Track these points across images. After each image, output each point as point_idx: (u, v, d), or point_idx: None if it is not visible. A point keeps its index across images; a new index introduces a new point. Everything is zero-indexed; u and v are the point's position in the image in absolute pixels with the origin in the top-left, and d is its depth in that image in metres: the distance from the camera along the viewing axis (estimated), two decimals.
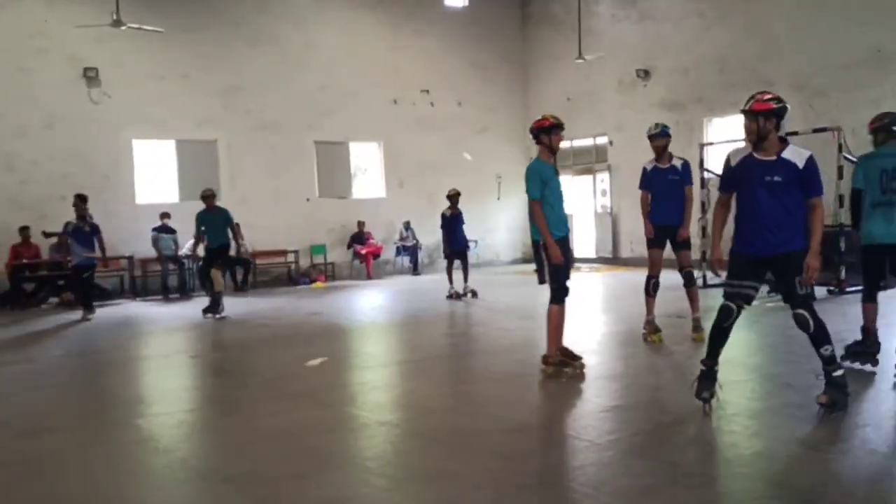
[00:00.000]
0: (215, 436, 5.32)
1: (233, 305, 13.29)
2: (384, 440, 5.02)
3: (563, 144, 21.98)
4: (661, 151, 7.86)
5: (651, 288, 7.92)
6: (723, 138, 15.42)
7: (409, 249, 18.43)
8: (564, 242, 6.52)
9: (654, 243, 7.92)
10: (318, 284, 16.59)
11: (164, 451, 4.87)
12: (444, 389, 6.43)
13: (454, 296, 12.61)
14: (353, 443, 5.00)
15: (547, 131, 6.83)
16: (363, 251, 17.75)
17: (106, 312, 12.75)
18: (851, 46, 13.69)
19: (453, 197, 13.01)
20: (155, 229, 15.01)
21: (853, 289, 10.58)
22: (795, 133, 12.59)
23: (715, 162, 14.25)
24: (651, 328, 7.93)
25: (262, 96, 16.97)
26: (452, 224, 12.95)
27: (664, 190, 7.81)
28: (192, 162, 16.62)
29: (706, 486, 3.84)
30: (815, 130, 11.93)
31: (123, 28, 13.59)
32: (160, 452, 4.88)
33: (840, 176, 11.24)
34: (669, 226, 7.78)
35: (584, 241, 19.98)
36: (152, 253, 15.09)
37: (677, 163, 7.87)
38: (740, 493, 3.84)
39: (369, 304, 13.43)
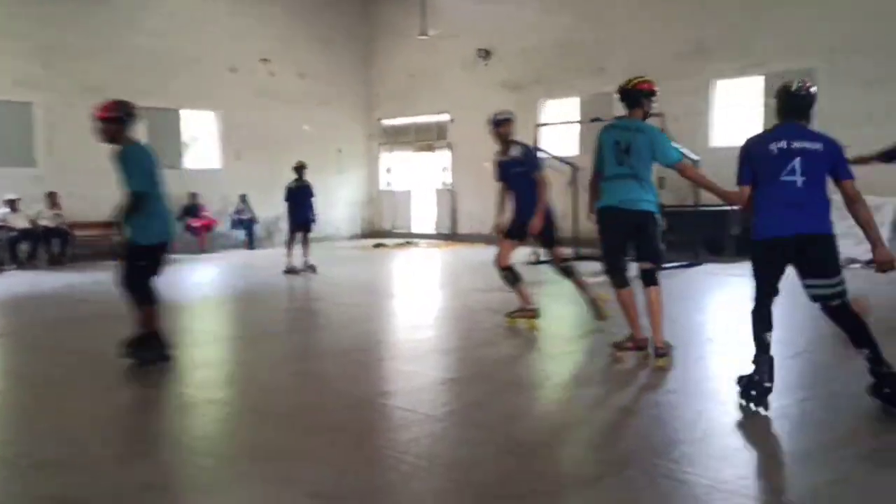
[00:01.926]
0: (27, 419, 4.92)
1: (50, 280, 12.39)
2: (213, 419, 4.84)
3: (406, 121, 22.01)
4: (503, 139, 7.21)
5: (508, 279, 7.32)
6: (558, 120, 16.01)
7: (245, 223, 17.87)
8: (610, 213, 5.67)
9: (508, 233, 7.29)
10: None
11: None
12: (279, 365, 6.28)
13: (292, 270, 12.36)
14: (179, 422, 4.79)
15: (649, 95, 5.73)
16: (196, 224, 17.02)
17: None
18: (677, 38, 14.57)
19: (299, 169, 12.72)
20: None
21: (670, 265, 11.32)
22: (623, 118, 13.27)
23: (549, 143, 14.78)
24: (526, 313, 7.25)
25: (86, 58, 15.77)
26: (297, 197, 12.66)
27: (512, 185, 7.20)
28: (3, 125, 15.25)
29: (535, 455, 3.97)
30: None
31: None
32: None
33: None
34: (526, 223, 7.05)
35: (424, 217, 20.22)
36: None
37: (517, 151, 7.20)
38: (566, 459, 4.01)
39: (201, 278, 12.92)
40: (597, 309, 7.01)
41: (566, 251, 7.62)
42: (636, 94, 5.66)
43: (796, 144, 4.48)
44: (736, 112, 14.62)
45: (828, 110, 12.84)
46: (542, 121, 16.19)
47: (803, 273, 4.44)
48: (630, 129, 5.60)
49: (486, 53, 18.00)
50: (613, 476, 3.57)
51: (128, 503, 3.43)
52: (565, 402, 5.10)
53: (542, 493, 3.43)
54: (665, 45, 14.62)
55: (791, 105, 4.62)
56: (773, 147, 4.51)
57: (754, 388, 4.41)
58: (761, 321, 4.49)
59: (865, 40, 12.58)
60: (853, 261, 11.51)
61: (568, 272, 7.21)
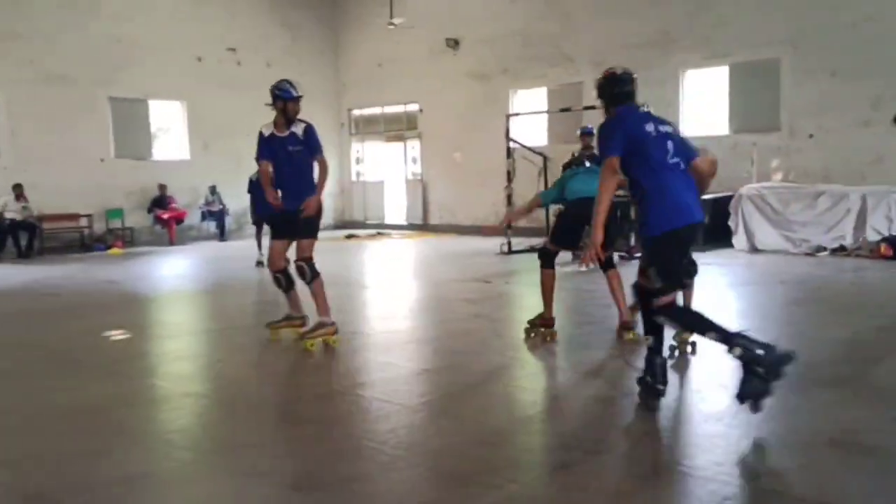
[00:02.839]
0: None
1: (16, 274, 12.22)
2: (188, 412, 4.83)
3: (375, 110, 21.91)
4: (289, 116, 6.48)
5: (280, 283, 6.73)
6: (527, 109, 16.07)
7: (216, 214, 17.73)
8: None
9: (274, 233, 6.77)
10: (115, 251, 15.59)
11: None
12: (251, 358, 6.27)
13: (263, 263, 12.25)
14: (154, 416, 4.77)
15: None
16: (165, 216, 16.87)
17: None
18: (642, 28, 14.68)
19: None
20: None
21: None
22: (592, 107, 13.37)
23: (519, 132, 14.86)
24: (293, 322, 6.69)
25: (47, 46, 15.52)
26: (260, 188, 12.50)
27: (284, 163, 6.46)
28: None
29: (509, 443, 4.03)
30: None
31: None
32: None
33: None
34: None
35: (397, 207, 20.21)
36: None
37: (298, 129, 6.49)
38: (538, 448, 4.08)
39: (172, 271, 12.82)
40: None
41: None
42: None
43: (661, 127, 4.33)
44: (702, 102, 14.82)
45: (791, 99, 13.16)
46: (512, 111, 16.25)
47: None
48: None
49: (454, 43, 17.99)
50: (587, 463, 3.64)
51: (102, 497, 3.42)
52: (539, 391, 5.18)
53: (515, 480, 3.49)
54: (631, 35, 14.73)
55: (629, 89, 4.46)
56: (650, 129, 4.29)
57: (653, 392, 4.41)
58: (695, 315, 4.41)
59: (827, 30, 12.78)
60: (820, 248, 11.75)
61: (301, 274, 6.49)
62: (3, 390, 5.44)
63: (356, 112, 20.90)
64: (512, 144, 13.82)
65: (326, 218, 20.33)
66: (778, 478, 3.50)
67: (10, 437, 4.33)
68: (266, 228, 12.43)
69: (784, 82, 13.31)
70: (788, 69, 13.23)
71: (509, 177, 13.58)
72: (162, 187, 16.97)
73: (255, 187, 12.57)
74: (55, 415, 4.71)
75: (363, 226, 20.11)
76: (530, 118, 15.88)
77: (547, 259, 6.37)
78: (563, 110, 14.18)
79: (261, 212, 12.49)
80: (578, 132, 11.19)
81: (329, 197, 20.43)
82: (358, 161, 21.03)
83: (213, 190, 17.63)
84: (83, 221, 16.10)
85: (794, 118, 13.16)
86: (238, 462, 3.81)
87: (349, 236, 18.00)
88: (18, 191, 14.71)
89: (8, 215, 14.50)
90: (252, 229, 13.04)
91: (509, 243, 13.27)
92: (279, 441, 4.13)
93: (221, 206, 17.68)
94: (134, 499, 3.42)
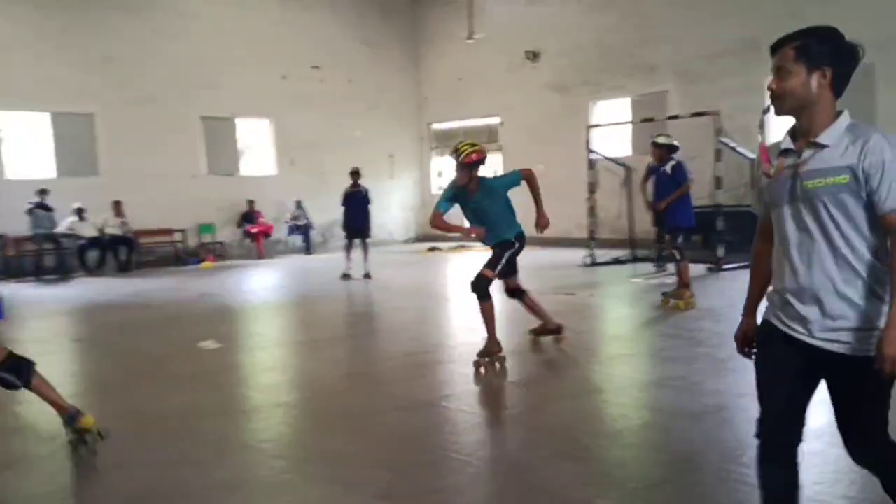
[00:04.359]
0: (103, 421, 5.10)
1: (117, 287, 12.78)
2: (280, 422, 4.97)
3: (455, 124, 21.99)
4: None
5: None
6: (608, 120, 15.91)
7: (302, 228, 18.16)
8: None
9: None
10: (207, 264, 16.13)
11: (48, 439, 4.65)
12: (340, 369, 6.40)
13: (347, 276, 12.49)
14: (247, 425, 4.92)
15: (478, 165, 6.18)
16: (253, 230, 17.37)
17: None
18: (727, 36, 14.34)
19: (354, 174, 12.88)
20: (31, 206, 14.13)
21: (730, 266, 11.19)
22: (676, 117, 13.14)
23: (601, 144, 14.73)
24: None
25: (140, 68, 16.20)
26: (353, 202, 12.79)
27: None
28: (69, 136, 15.78)
29: (597, 458, 3.99)
30: (694, 114, 12.43)
31: None
32: (42, 440, 4.66)
33: (718, 158, 11.79)
34: None
35: None
36: (26, 231, 14.22)
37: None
38: (629, 463, 4.03)
39: (261, 284, 13.18)
40: None
41: None
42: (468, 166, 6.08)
43: None
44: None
45: (886, 104, 12.64)
46: (593, 122, 16.11)
47: None
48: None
49: (534, 55, 17.98)
50: (680, 480, 3.58)
51: (199, 500, 3.55)
52: (627, 405, 5.11)
53: (606, 496, 3.45)
54: (716, 42, 14.41)
55: None
56: None
57: None
58: None
59: None
60: None
61: None
62: (109, 397, 5.70)
63: (436, 126, 21.09)
64: (594, 156, 13.71)
65: (408, 231, 20.68)
66: (880, 497, 3.36)
67: (116, 441, 4.53)
68: (355, 243, 12.71)
69: (878, 87, 12.81)
70: (883, 74, 12.73)
71: (592, 188, 13.47)
72: (250, 202, 17.49)
73: (347, 201, 12.82)
74: (155, 421, 4.91)
75: (445, 239, 20.23)
76: (612, 129, 15.72)
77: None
78: (644, 120, 13.99)
79: (352, 227, 12.73)
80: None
81: (410, 211, 20.69)
82: (439, 174, 21.20)
83: (298, 204, 18.06)
84: (177, 236, 16.73)
85: (888, 124, 12.63)
86: (329, 471, 3.90)
87: (431, 249, 18.14)
88: (117, 208, 15.39)
89: (108, 231, 15.17)
90: (342, 242, 13.29)
91: (593, 255, 13.15)
92: (368, 451, 4.20)
93: (307, 221, 18.09)
94: None
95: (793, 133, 2.43)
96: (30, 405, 5.44)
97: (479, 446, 4.13)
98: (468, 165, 6.02)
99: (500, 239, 6.22)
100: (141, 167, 16.13)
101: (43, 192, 14.15)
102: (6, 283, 13.47)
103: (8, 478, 4.07)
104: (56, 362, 7.16)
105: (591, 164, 13.60)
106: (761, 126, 11.00)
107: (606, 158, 13.95)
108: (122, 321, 9.38)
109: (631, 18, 15.99)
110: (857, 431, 2.44)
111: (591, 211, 13.49)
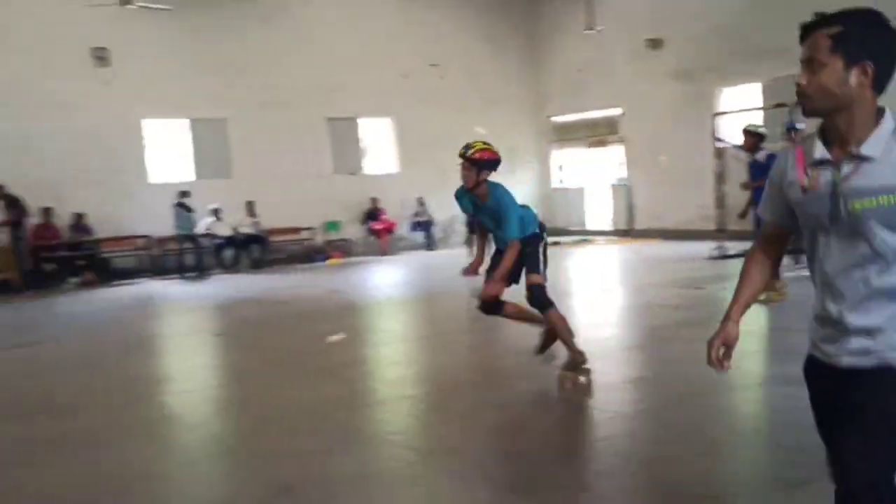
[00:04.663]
0: (241, 411, 5.39)
1: (251, 284, 13.39)
2: (407, 415, 5.08)
3: (576, 117, 21.64)
4: None
5: None
6: (736, 107, 15.30)
7: (424, 225, 18.46)
8: None
9: None
10: (334, 261, 16.66)
11: (193, 427, 4.95)
12: (466, 363, 6.48)
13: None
14: (376, 417, 5.06)
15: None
16: (377, 227, 17.80)
17: (126, 291, 12.86)
18: None
19: None
20: (175, 205, 14.92)
21: None
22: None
23: (728, 131, 14.19)
24: None
25: (269, 73, 16.88)
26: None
27: None
28: (205, 140, 16.67)
29: (729, 456, 3.88)
30: None
31: (132, 7, 13.59)
32: (188, 428, 4.96)
33: None
34: None
35: (598, 213, 19.98)
36: (169, 232, 15.11)
37: None
38: (763, 463, 3.89)
39: (386, 279, 13.49)
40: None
41: None
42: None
43: None
44: None
45: None
46: (720, 109, 15.54)
47: None
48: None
49: (655, 43, 17.50)
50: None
51: (341, 492, 3.69)
52: (763, 403, 4.92)
53: (739, 494, 3.36)
54: None
55: None
56: None
57: None
58: None
59: None
60: None
61: None
62: (247, 389, 6.00)
63: (556, 119, 20.92)
64: (721, 144, 13.23)
65: (534, 226, 20.59)
66: None
67: (256, 432, 4.77)
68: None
69: None
70: None
71: (720, 178, 13.02)
72: (374, 200, 17.92)
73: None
74: (290, 413, 5.13)
75: (565, 233, 20.05)
76: (741, 116, 15.10)
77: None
78: (777, 106, 13.37)
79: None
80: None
81: (531, 205, 20.60)
82: (560, 168, 21.03)
83: (420, 201, 18.36)
84: (305, 234, 17.35)
85: None
86: (458, 465, 3.95)
87: (553, 244, 17.97)
88: (250, 208, 16.12)
89: (242, 230, 15.92)
90: (463, 238, 13.42)
91: (722, 246, 12.70)
92: (498, 445, 4.23)
93: (429, 217, 18.37)
94: (368, 495, 3.66)
95: (823, 135, 2.03)
96: (178, 395, 5.80)
97: (608, 442, 4.09)
98: (477, 162, 5.32)
99: (525, 234, 5.50)
100: (271, 168, 16.83)
101: (184, 193, 14.97)
102: (152, 281, 14.39)
103: (156, 461, 4.35)
104: (199, 355, 7.62)
105: (719, 153, 13.12)
106: (790, 129, 10.11)
107: (735, 147, 13.43)
108: (257, 316, 9.82)
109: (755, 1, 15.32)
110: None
111: (720, 201, 13.03)
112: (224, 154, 16.67)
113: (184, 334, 9.00)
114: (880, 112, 1.96)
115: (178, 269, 14.95)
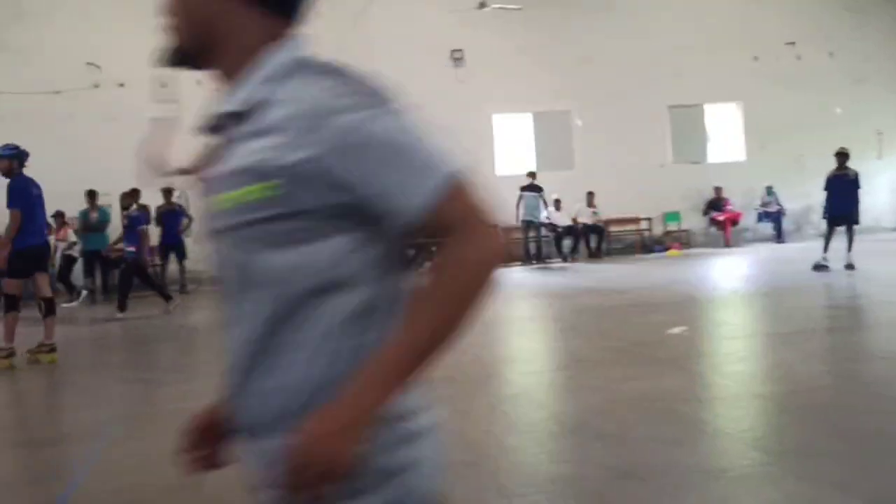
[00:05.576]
0: (583, 395, 5.54)
1: (590, 272, 13.65)
2: (755, 413, 4.86)
3: None
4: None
5: None
6: None
7: (772, 216, 17.29)
8: None
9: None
10: (673, 252, 16.32)
11: (540, 406, 5.22)
12: (819, 364, 6.00)
13: (821, 267, 11.46)
14: (723, 413, 4.91)
15: None
16: (720, 218, 17.06)
17: None
18: None
19: (840, 156, 11.87)
20: (524, 188, 15.52)
21: None
22: None
23: None
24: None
25: (611, 63, 16.99)
26: (836, 186, 11.80)
27: None
28: (547, 133, 17.31)
29: None
30: None
31: (487, 9, 14.52)
32: (536, 407, 5.24)
33: None
34: None
35: None
36: (512, 223, 15.87)
37: None
38: None
39: (729, 272, 12.92)
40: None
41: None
42: None
43: None
44: None
45: None
46: None
47: None
48: None
49: None
50: None
51: (682, 483, 3.66)
52: None
53: None
54: None
55: None
56: None
57: None
58: None
59: None
60: None
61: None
62: (587, 373, 6.15)
63: None
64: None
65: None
66: None
67: (596, 414, 4.87)
68: (839, 230, 11.63)
69: None
70: None
71: None
72: (717, 189, 17.20)
73: (830, 184, 11.88)
74: (631, 401, 5.15)
75: None
76: None
77: None
78: None
79: (836, 212, 11.76)
80: None
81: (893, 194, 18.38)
82: None
83: (769, 190, 17.23)
84: (643, 224, 17.21)
85: None
86: (812, 469, 3.70)
87: None
88: (590, 198, 16.41)
89: (581, 220, 16.27)
90: (819, 230, 12.38)
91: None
92: (853, 452, 3.89)
93: (779, 207, 17.17)
94: (710, 489, 3.58)
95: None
96: (525, 376, 6.13)
97: None
98: None
99: None
100: (610, 159, 16.95)
101: (532, 174, 15.54)
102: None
103: (507, 435, 4.65)
104: (539, 340, 7.98)
105: None
106: None
107: None
108: (597, 305, 9.99)
109: None
110: None
111: None
112: (566, 145, 17.16)
113: (526, 319, 9.46)
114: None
115: (524, 258, 15.67)
